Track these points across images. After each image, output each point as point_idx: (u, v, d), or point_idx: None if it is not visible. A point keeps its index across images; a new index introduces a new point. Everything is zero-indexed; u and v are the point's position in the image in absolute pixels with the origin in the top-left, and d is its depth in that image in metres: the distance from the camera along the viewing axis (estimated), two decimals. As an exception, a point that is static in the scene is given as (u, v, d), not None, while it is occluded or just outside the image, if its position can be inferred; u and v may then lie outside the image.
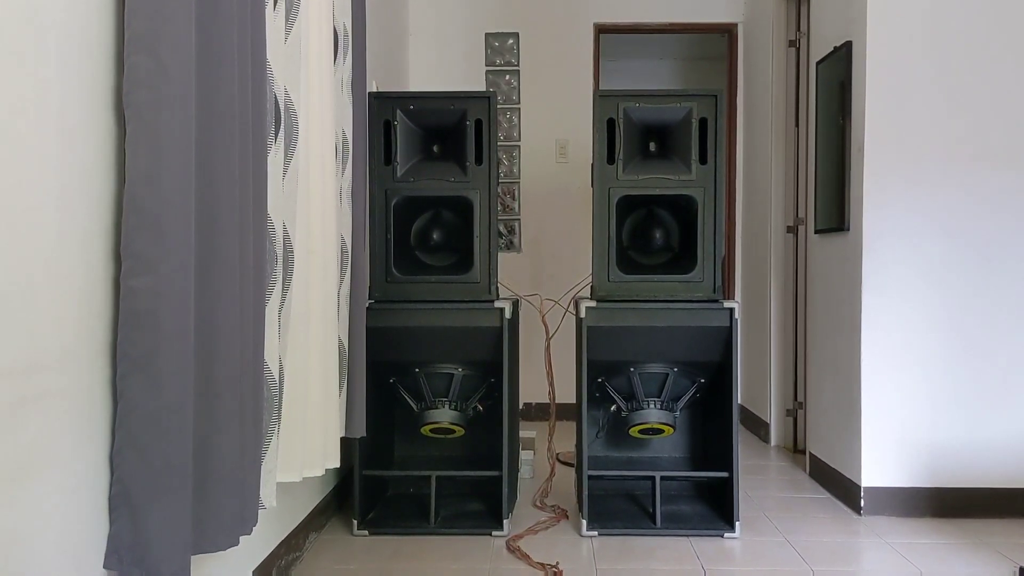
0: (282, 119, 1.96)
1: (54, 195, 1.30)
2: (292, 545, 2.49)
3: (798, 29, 4.10)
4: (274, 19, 1.90)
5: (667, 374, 2.96)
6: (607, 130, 2.85)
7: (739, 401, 4.84)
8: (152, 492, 1.42)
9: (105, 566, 1.42)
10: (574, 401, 4.06)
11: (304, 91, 2.13)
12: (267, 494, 1.86)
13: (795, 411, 4.13)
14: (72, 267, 1.35)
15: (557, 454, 3.95)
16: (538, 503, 3.18)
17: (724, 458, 2.89)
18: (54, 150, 1.30)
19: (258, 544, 2.23)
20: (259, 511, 1.96)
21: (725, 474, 2.86)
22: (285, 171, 2.02)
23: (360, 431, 2.60)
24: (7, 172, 1.19)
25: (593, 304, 2.82)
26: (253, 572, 2.17)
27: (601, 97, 2.85)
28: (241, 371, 1.64)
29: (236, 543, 1.62)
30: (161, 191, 1.42)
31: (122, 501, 1.42)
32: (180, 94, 1.43)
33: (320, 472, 2.21)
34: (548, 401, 3.88)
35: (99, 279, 1.43)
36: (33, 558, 1.26)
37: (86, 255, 1.38)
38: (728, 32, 4.95)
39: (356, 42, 2.65)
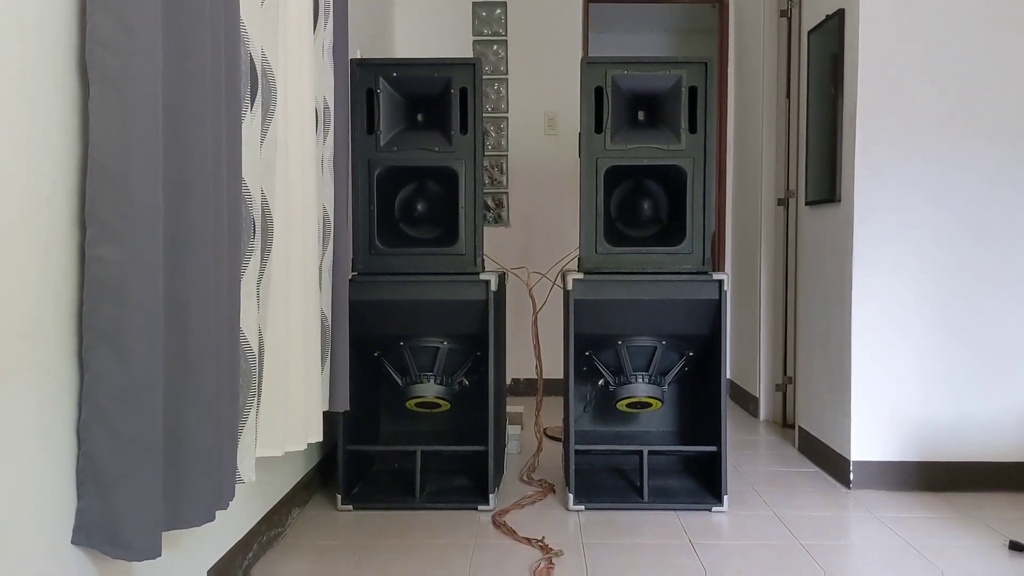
0: (259, 84, 1.90)
1: (22, 160, 1.24)
2: (274, 521, 2.46)
3: (790, -2, 4.03)
4: (249, -21, 1.83)
5: (655, 348, 2.92)
6: (595, 99, 2.79)
7: (728, 376, 4.83)
8: (121, 467, 1.37)
9: (73, 542, 1.38)
10: (562, 376, 4.03)
11: (283, 55, 2.06)
12: (245, 468, 1.82)
13: (784, 386, 4.11)
14: (36, 233, 1.29)
15: (545, 429, 3.93)
16: (525, 478, 3.15)
17: (712, 432, 2.86)
18: (15, 112, 1.24)
19: (240, 519, 2.19)
20: (236, 485, 1.92)
21: (713, 448, 2.83)
22: (263, 138, 1.96)
23: (343, 405, 2.56)
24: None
25: (580, 276, 2.77)
26: (233, 547, 2.14)
27: (589, 64, 2.78)
28: (216, 344, 1.59)
29: (212, 519, 1.58)
30: (127, 155, 1.37)
31: (89, 476, 1.38)
32: (146, 53, 1.37)
33: (302, 446, 2.17)
34: (536, 376, 3.84)
35: (64, 246, 1.37)
36: (5, 533, 1.22)
37: (51, 221, 1.33)
38: (719, 2, 4.87)
39: (338, 7, 2.58)
